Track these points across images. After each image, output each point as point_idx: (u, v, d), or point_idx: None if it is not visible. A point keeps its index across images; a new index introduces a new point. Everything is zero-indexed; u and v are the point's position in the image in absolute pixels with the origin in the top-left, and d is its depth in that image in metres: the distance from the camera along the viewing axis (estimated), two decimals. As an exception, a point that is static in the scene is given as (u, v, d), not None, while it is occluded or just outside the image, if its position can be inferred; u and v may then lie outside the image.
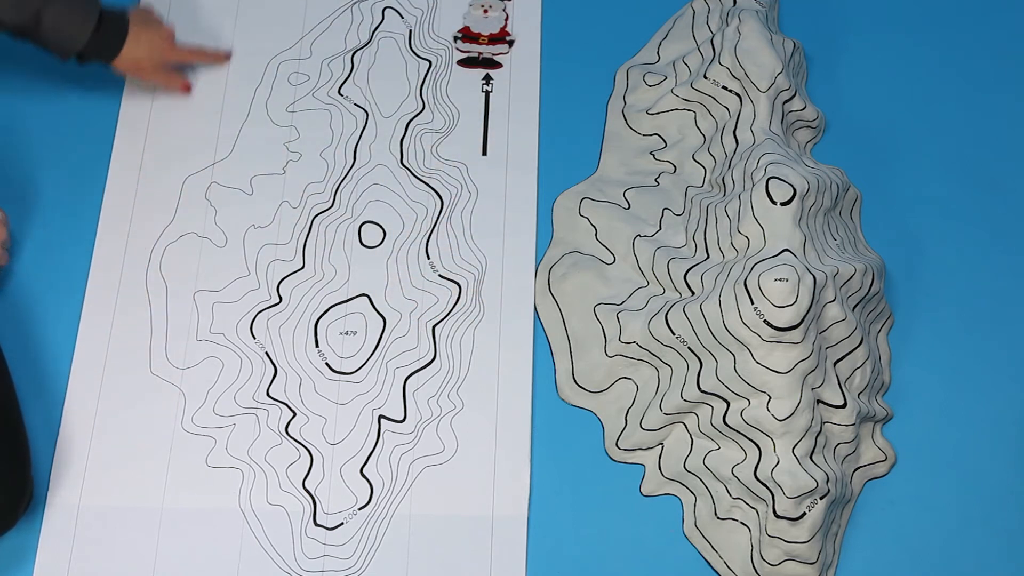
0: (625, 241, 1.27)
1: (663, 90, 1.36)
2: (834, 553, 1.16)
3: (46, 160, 1.31)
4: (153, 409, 1.21)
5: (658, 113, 1.35)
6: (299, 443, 1.20)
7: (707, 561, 1.17)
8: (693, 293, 1.20)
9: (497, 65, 1.39)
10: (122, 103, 1.35)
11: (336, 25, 1.41)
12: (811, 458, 1.13)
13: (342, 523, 1.17)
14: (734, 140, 1.28)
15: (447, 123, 1.36)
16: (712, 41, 1.34)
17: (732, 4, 1.36)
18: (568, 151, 1.35)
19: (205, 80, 1.37)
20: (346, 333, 1.25)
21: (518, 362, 1.24)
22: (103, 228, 1.28)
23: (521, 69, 1.38)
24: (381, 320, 1.25)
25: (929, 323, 1.27)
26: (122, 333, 1.24)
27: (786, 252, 1.15)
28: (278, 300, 1.26)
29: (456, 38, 1.41)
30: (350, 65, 1.38)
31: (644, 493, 1.19)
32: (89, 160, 1.32)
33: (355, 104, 1.36)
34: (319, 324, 1.25)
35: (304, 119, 1.35)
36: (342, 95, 1.37)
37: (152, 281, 1.26)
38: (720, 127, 1.31)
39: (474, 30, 1.41)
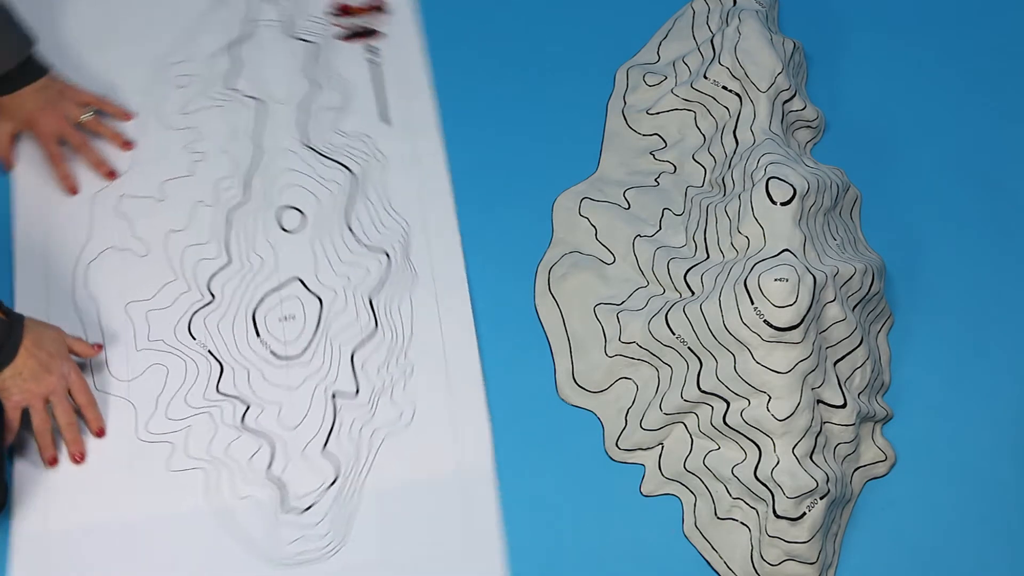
0: (625, 241, 1.27)
1: (663, 90, 1.36)
2: (834, 553, 1.16)
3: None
4: (105, 425, 1.19)
5: (658, 113, 1.35)
6: (258, 433, 1.19)
7: (707, 561, 1.17)
8: (693, 293, 1.20)
9: (378, 34, 1.40)
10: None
11: (211, 21, 1.41)
12: (811, 458, 1.13)
13: (312, 504, 1.17)
14: (734, 140, 1.28)
15: (342, 99, 1.37)
16: (712, 41, 1.34)
17: (732, 4, 1.36)
18: (568, 151, 1.35)
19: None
20: (285, 319, 1.25)
21: (459, 317, 1.25)
22: (20, 258, 1.25)
23: (401, 33, 1.40)
24: (317, 300, 1.26)
25: (929, 323, 1.27)
26: None
27: (786, 252, 1.15)
28: (211, 298, 1.26)
29: (330, 14, 1.42)
30: (234, 59, 1.39)
31: (644, 493, 1.19)
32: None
33: (248, 96, 1.37)
34: (256, 314, 1.25)
35: (201, 118, 1.35)
36: (233, 89, 1.37)
37: (81, 301, 1.24)
38: (720, 127, 1.31)
39: (347, 3, 1.42)
